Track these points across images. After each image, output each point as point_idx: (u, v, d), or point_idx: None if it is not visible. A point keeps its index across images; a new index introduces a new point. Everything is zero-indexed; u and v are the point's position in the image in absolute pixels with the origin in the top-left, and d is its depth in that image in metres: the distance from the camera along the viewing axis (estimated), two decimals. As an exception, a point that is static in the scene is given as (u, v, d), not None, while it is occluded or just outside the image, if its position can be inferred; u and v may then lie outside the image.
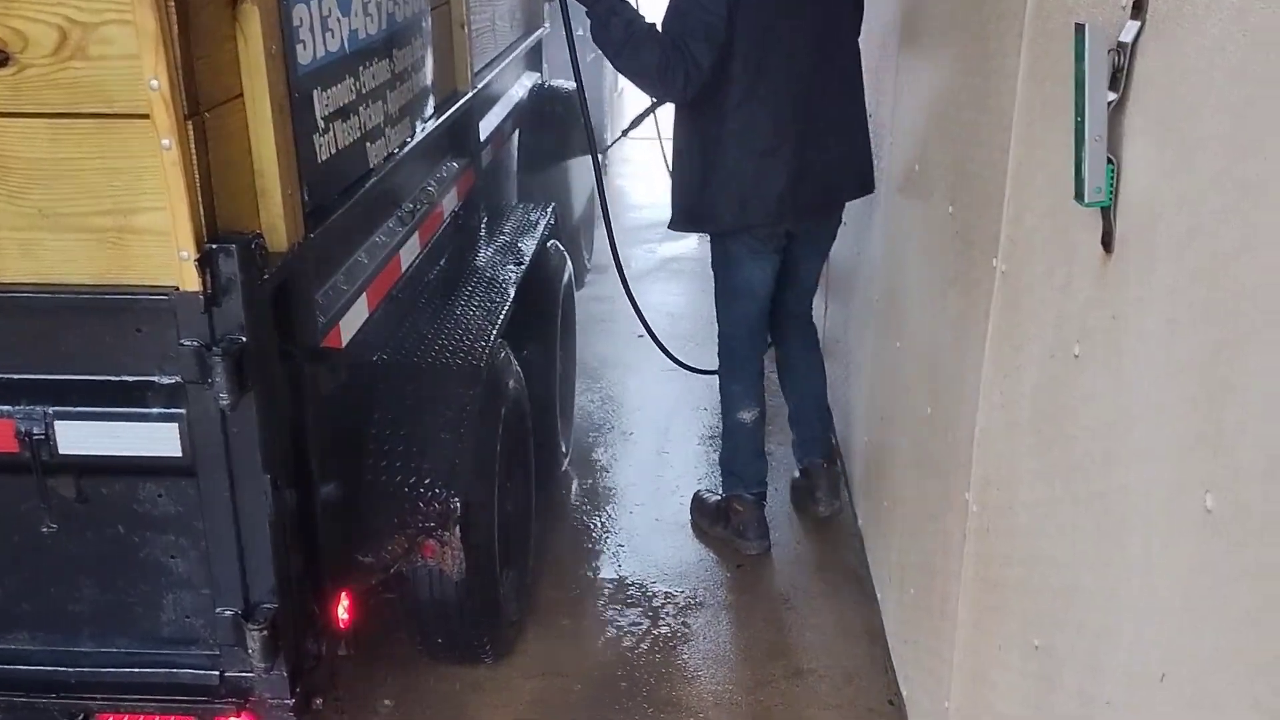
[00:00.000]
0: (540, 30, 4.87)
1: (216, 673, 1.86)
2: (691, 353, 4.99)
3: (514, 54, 4.25)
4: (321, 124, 2.12)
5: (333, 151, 2.17)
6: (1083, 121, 1.30)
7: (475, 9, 3.58)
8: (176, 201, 1.60)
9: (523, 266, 3.20)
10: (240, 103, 1.77)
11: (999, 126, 1.84)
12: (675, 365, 4.12)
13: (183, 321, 1.66)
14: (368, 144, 2.39)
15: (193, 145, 1.60)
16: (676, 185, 3.17)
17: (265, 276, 1.73)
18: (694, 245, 6.46)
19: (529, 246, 3.38)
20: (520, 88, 4.45)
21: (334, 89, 2.19)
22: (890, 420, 2.89)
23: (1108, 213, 1.33)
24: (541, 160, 4.33)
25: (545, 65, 5.07)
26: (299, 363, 1.90)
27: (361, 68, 2.36)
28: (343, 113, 2.23)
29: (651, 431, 4.23)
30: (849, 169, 3.13)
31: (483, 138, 3.58)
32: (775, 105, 2.95)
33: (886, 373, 2.93)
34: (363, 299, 2.29)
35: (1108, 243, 1.34)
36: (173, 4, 1.53)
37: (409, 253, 2.62)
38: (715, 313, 3.43)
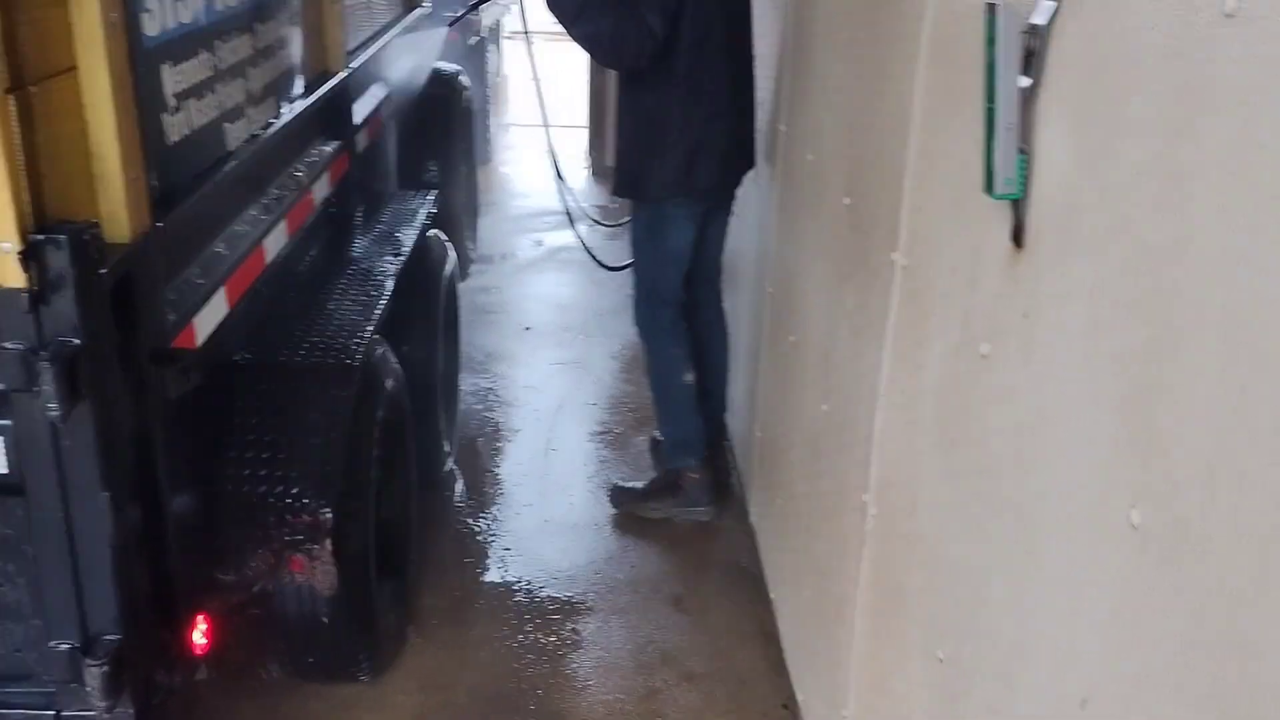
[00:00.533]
0: (420, 9, 4.67)
1: (52, 713, 1.66)
2: (581, 345, 4.89)
3: (391, 32, 4.06)
4: (172, 102, 1.93)
5: (185, 133, 1.98)
6: (994, 109, 1.22)
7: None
8: (-5, 187, 1.41)
9: (401, 257, 3.03)
10: (74, 77, 1.58)
11: (898, 114, 1.77)
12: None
13: (4, 322, 1.47)
14: (226, 124, 2.20)
15: (15, 123, 1.41)
16: (623, 151, 3.22)
17: (103, 270, 1.55)
18: (585, 235, 6.35)
19: (409, 236, 3.21)
20: (400, 68, 4.25)
21: (187, 64, 2.00)
22: (784, 415, 2.82)
23: (1019, 205, 1.26)
24: (423, 145, 4.14)
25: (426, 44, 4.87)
26: (144, 366, 1.71)
27: (219, 41, 2.17)
28: (197, 90, 2.05)
29: (539, 428, 4.09)
30: (754, 142, 3.23)
31: (357, 121, 3.39)
32: (719, 72, 3.03)
33: (780, 366, 2.87)
34: (221, 294, 2.10)
35: (1019, 237, 1.27)
36: (-15, -41, 1.34)
37: (274, 243, 2.43)
38: (638, 289, 3.40)
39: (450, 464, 3.63)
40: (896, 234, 1.76)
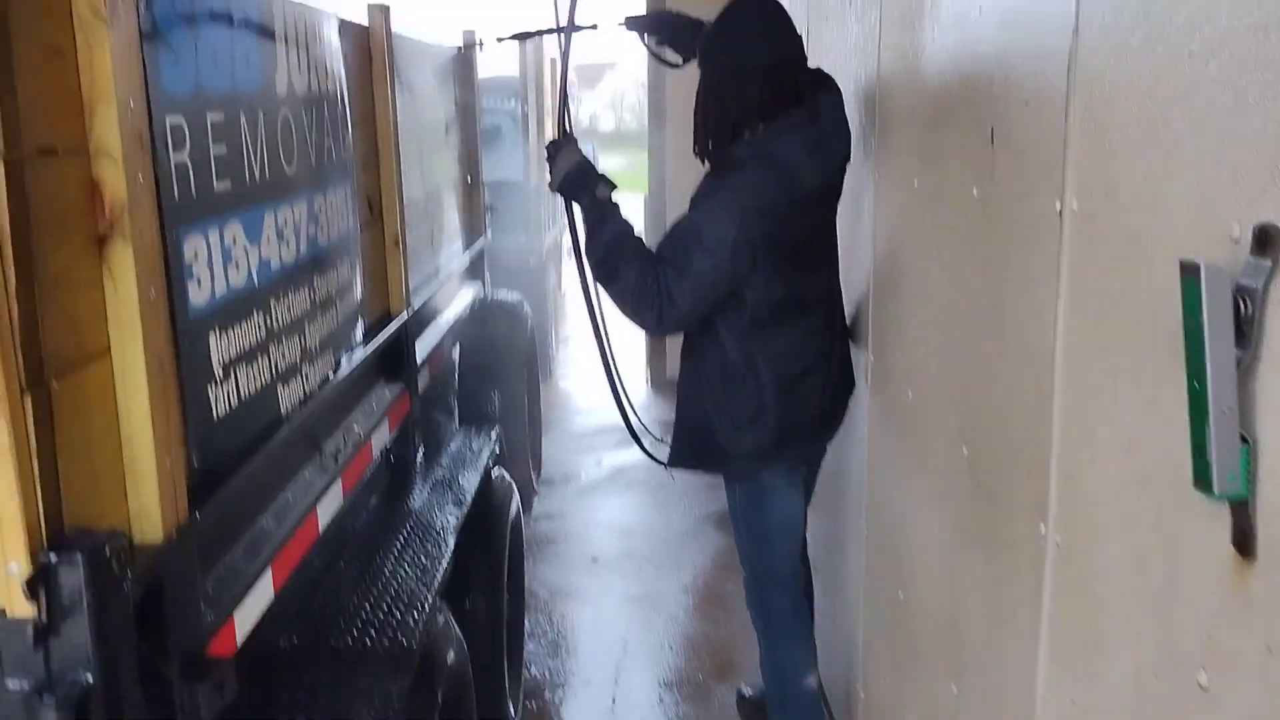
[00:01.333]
0: (481, 240, 4.65)
1: None
2: (651, 577, 4.58)
3: (454, 266, 3.99)
4: (219, 373, 1.77)
5: (233, 404, 1.81)
6: (1203, 389, 0.99)
7: (411, 223, 3.32)
8: (3, 500, 1.21)
9: (464, 506, 2.81)
10: (107, 361, 1.41)
11: (1031, 362, 1.54)
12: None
13: (8, 657, 1.24)
14: (280, 387, 2.04)
15: (30, 427, 1.22)
16: (687, 420, 2.78)
17: (127, 584, 1.33)
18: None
19: (471, 481, 3.00)
20: (461, 301, 4.17)
21: (237, 329, 1.84)
22: (896, 681, 2.49)
23: (1243, 507, 1.00)
24: (485, 376, 4.00)
25: (487, 275, 4.83)
26: (174, 683, 1.47)
27: (274, 300, 2.03)
28: (248, 355, 1.89)
29: (607, 676, 3.75)
30: (851, 360, 2.90)
31: (419, 359, 3.26)
32: (809, 318, 2.68)
33: (888, 621, 2.55)
34: (267, 576, 1.88)
35: (1245, 545, 1.00)
36: (7, 241, 1.18)
37: (329, 507, 2.23)
38: (747, 568, 2.96)
39: (515, 727, 3.29)
40: (1045, 505, 1.50)
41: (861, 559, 2.84)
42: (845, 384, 2.89)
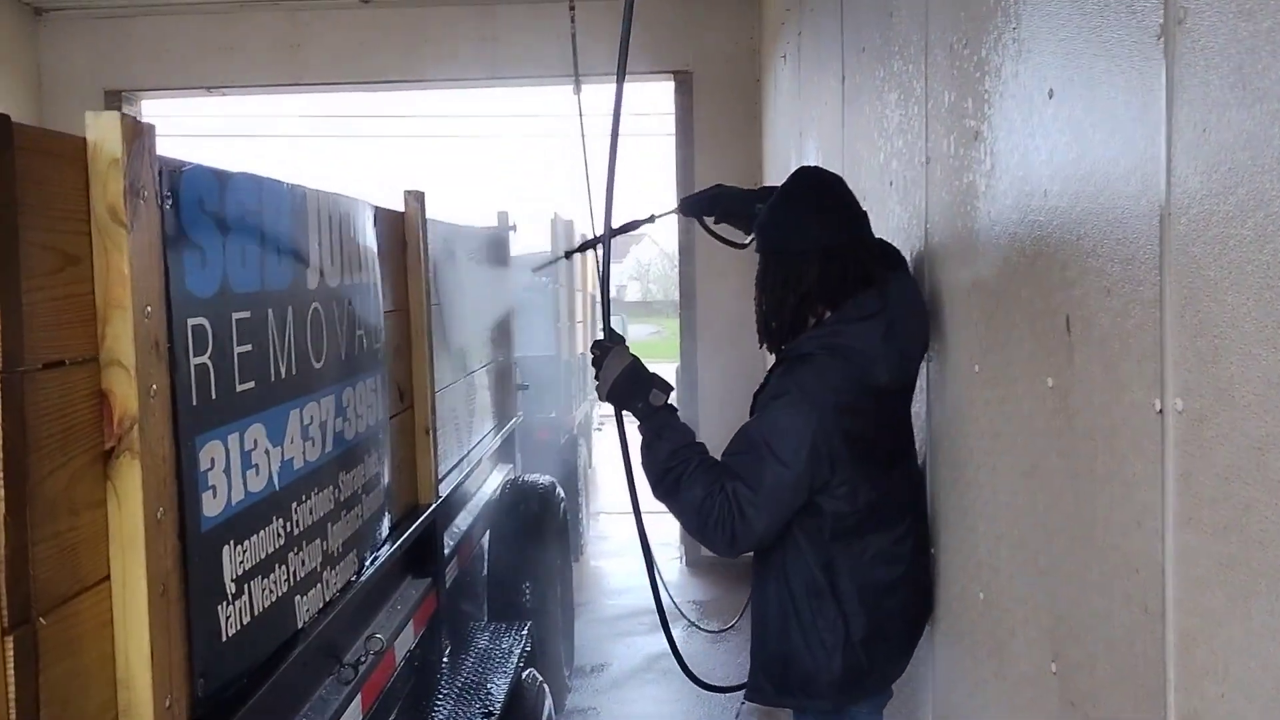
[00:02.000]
0: (514, 420, 4.55)
1: None
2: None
3: (486, 449, 3.88)
4: (231, 589, 1.62)
5: (244, 622, 1.66)
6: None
7: (443, 409, 3.22)
8: (-32, 763, 1.05)
9: (493, 718, 2.60)
10: (105, 590, 1.27)
11: (1133, 577, 1.38)
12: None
13: None
14: (298, 598, 1.89)
15: (9, 673, 1.08)
16: (769, 647, 2.43)
17: None
18: (682, 638, 5.85)
19: (500, 686, 2.79)
20: (491, 484, 4.04)
21: (253, 539, 1.71)
22: None
23: None
24: (516, 564, 3.82)
25: (518, 456, 4.71)
26: None
27: (295, 503, 1.90)
28: (264, 566, 1.75)
29: None
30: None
31: (447, 551, 3.10)
32: (897, 525, 2.37)
33: None
34: (276, 816, 1.68)
35: None
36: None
37: (345, 730, 2.04)
38: None
39: None
40: (1164, 748, 1.30)
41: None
42: (928, 593, 2.55)
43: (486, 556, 3.84)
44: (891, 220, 2.86)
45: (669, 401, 2.44)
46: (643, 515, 2.75)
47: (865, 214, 2.48)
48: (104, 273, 1.26)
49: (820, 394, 2.23)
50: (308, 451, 1.97)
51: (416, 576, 2.83)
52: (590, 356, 2.62)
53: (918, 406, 2.66)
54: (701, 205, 2.87)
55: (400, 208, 2.86)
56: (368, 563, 2.30)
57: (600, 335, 2.62)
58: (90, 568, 1.24)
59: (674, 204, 2.95)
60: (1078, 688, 1.61)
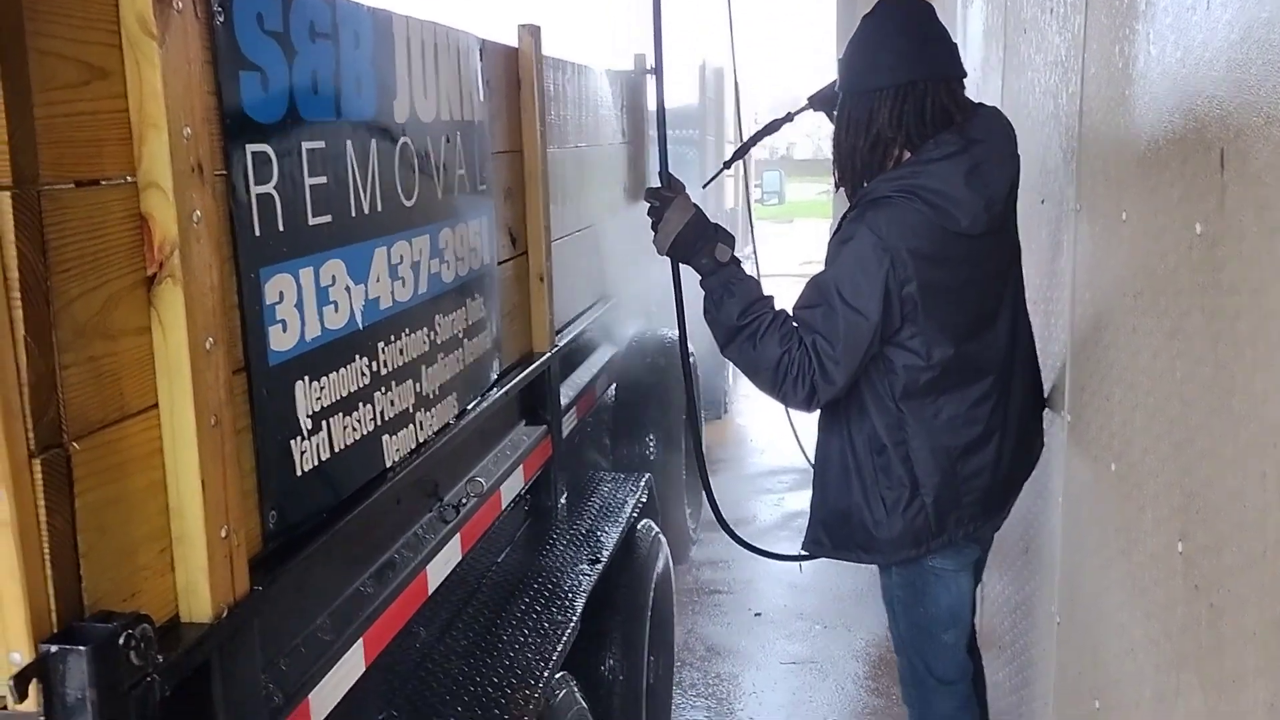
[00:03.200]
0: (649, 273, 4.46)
1: None
2: (819, 639, 4.24)
3: (613, 301, 3.81)
4: (307, 424, 1.61)
5: (323, 457, 1.65)
6: None
7: (563, 257, 3.15)
8: (4, 579, 1.06)
9: (600, 564, 2.59)
10: (152, 418, 1.26)
11: (1270, 453, 1.19)
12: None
13: (1, 761, 1.09)
14: (386, 437, 1.87)
15: (40, 496, 1.07)
16: (828, 502, 2.38)
17: (153, 677, 1.16)
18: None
19: (611, 536, 2.78)
20: (620, 335, 3.98)
21: (332, 376, 1.68)
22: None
23: None
24: (641, 417, 3.79)
25: (654, 310, 4.63)
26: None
27: (383, 344, 1.87)
28: (346, 404, 1.73)
29: (767, 752, 3.44)
30: (1039, 426, 2.46)
31: (565, 401, 3.07)
32: (979, 385, 2.24)
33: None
34: (358, 649, 1.70)
35: None
36: (16, 285, 1.04)
37: (442, 566, 2.05)
38: (904, 660, 2.54)
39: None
40: (1288, 644, 1.14)
41: (1052, 651, 2.44)
42: (1026, 455, 2.44)
43: (612, 409, 3.81)
44: (1049, 51, 2.56)
45: (735, 255, 2.32)
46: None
47: (954, 48, 2.26)
48: (136, 88, 1.20)
49: (894, 238, 2.10)
50: (398, 291, 1.93)
51: (531, 424, 2.82)
52: (647, 206, 2.43)
53: (1056, 262, 2.43)
54: (830, 99, 2.57)
55: (514, 43, 2.74)
56: (470, 406, 2.28)
57: (656, 183, 2.47)
58: (134, 395, 1.22)
59: (804, 101, 2.69)
60: (1203, 571, 1.44)
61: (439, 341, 2.13)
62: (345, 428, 1.72)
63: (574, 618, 2.29)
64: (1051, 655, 2.45)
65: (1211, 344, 1.40)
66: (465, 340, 2.28)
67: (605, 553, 2.66)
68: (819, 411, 2.37)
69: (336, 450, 1.69)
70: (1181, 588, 1.52)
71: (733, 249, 2.31)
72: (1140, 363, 1.76)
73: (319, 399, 1.64)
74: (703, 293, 2.32)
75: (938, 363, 2.18)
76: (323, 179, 1.66)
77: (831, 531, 2.40)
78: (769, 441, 6.79)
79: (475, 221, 2.36)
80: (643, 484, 3.17)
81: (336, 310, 1.71)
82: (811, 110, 2.69)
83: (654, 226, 2.36)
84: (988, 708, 2.70)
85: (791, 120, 2.76)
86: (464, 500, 2.20)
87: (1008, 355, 2.30)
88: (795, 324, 2.20)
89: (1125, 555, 1.83)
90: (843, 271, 2.15)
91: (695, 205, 2.35)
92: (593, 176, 3.66)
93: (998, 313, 2.28)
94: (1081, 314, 2.22)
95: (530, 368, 2.71)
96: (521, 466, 2.59)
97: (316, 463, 1.63)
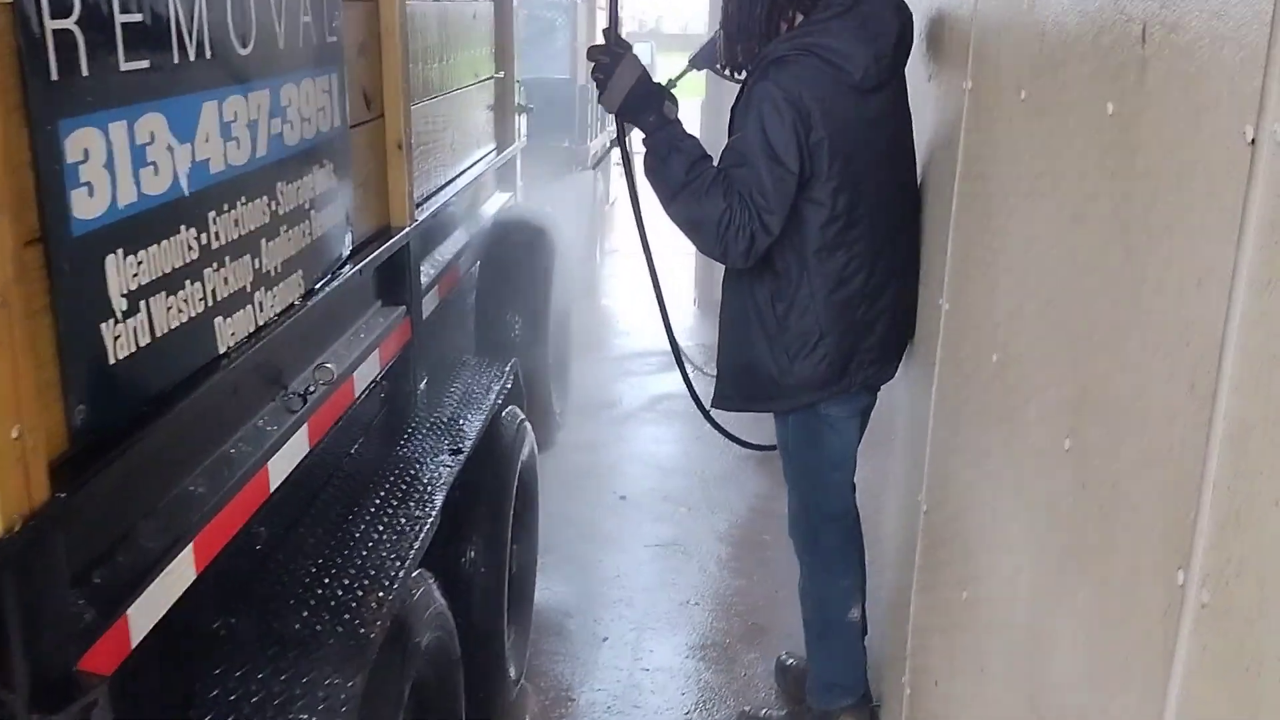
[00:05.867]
0: (514, 146, 4.23)
1: None
2: (683, 521, 4.23)
3: (476, 175, 3.58)
4: (121, 305, 1.40)
5: (142, 342, 1.44)
6: None
7: (424, 124, 2.91)
8: None
9: (462, 454, 2.45)
10: (-84, 294, 1.04)
11: (1183, 347, 1.12)
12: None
13: None
14: (219, 319, 1.67)
15: None
16: (734, 357, 2.55)
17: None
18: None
19: (474, 424, 2.64)
20: (483, 215, 3.77)
21: (151, 250, 1.47)
22: (952, 685, 2.12)
23: None
24: (505, 298, 3.61)
25: (519, 185, 4.41)
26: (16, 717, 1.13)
27: (214, 214, 1.65)
28: (168, 283, 1.51)
29: (627, 636, 3.42)
30: (915, 299, 2.59)
31: (426, 280, 2.88)
32: (872, 242, 2.39)
33: (946, 624, 2.17)
34: (186, 556, 1.53)
35: None
36: None
37: (286, 461, 1.88)
38: (795, 497, 2.72)
39: (516, 691, 2.98)
40: (1188, 549, 1.09)
41: (915, 539, 2.44)
42: (912, 314, 2.58)
43: (475, 289, 3.62)
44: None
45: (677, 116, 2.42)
46: (652, 253, 2.83)
47: None
48: None
49: (796, 92, 2.23)
50: (231, 154, 1.70)
51: (388, 305, 2.62)
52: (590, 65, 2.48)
53: (941, 141, 2.35)
54: (711, 56, 2.74)
55: (367, -123, 2.45)
56: (319, 286, 2.08)
57: (600, 40, 2.44)
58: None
59: (685, 64, 2.88)
60: (1095, 470, 1.39)
61: (281, 213, 1.91)
62: (169, 309, 1.51)
63: (433, 512, 2.16)
64: (915, 543, 2.45)
65: (1121, 232, 1.32)
66: (312, 212, 2.06)
67: (467, 442, 2.52)
68: (722, 275, 2.55)
69: (159, 335, 1.49)
70: (1069, 484, 1.48)
71: (676, 108, 2.41)
72: (1035, 250, 1.69)
73: (135, 276, 1.43)
74: (645, 150, 2.40)
75: (841, 212, 2.32)
76: (138, 16, 1.42)
77: (740, 385, 2.55)
78: (634, 324, 6.71)
79: (323, 78, 2.12)
80: (508, 369, 3.03)
81: (156, 173, 1.48)
82: (695, 71, 2.87)
83: (600, 84, 2.41)
84: (862, 540, 2.80)
85: (674, 86, 2.67)
86: (311, 389, 2.02)
87: (901, 210, 2.47)
88: (732, 184, 2.29)
89: (1005, 448, 1.79)
90: (757, 129, 2.25)
91: (643, 65, 2.41)
92: (459, 35, 3.39)
93: (893, 167, 2.44)
94: (967, 197, 2.15)
95: (387, 244, 2.50)
96: (377, 351, 2.41)
97: (134, 349, 1.42)
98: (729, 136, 2.41)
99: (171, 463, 1.57)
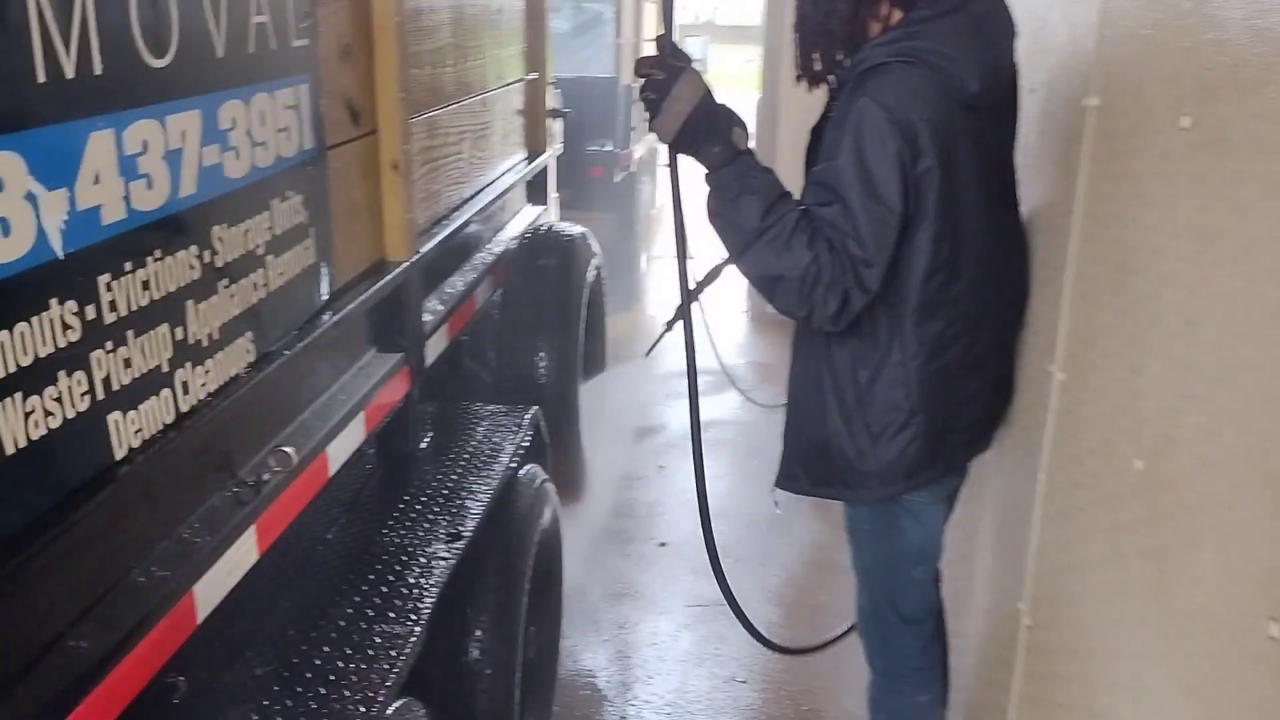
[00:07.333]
0: (547, 154, 3.81)
1: None
2: (729, 574, 3.79)
3: (499, 190, 3.17)
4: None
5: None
6: None
7: (431, 138, 2.51)
8: None
9: (460, 543, 2.04)
10: None
11: None
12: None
13: None
14: (114, 416, 1.27)
15: None
16: (804, 432, 2.06)
17: None
18: (737, 407, 5.31)
19: (479, 497, 2.23)
20: (507, 235, 3.36)
21: (17, 333, 1.07)
22: None
23: None
24: (529, 329, 3.19)
25: (552, 196, 4.00)
26: None
27: (109, 279, 1.25)
28: (30, 378, 1.12)
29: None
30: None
31: (430, 321, 2.48)
32: (975, 301, 1.92)
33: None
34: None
35: None
36: None
37: (219, 582, 1.48)
38: (865, 594, 2.26)
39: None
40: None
41: (1015, 652, 2.00)
42: (1010, 379, 2.13)
43: (498, 316, 3.21)
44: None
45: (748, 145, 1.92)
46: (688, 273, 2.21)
47: None
48: None
49: (902, 108, 1.74)
50: (136, 197, 1.30)
51: (382, 351, 2.23)
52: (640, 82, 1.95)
53: (1044, 163, 1.90)
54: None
55: None
56: (276, 347, 1.68)
57: (652, 51, 1.98)
58: None
59: None
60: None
61: (220, 264, 1.51)
62: (30, 414, 1.12)
63: (416, 630, 1.74)
64: (1013, 657, 2.01)
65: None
66: (269, 257, 1.66)
67: (469, 522, 2.11)
68: (797, 328, 2.06)
69: (15, 448, 1.09)
70: (1272, 681, 1.03)
71: (746, 134, 1.91)
72: (1206, 338, 1.24)
73: (-22, 373, 1.03)
74: (709, 189, 1.90)
75: (944, 263, 1.85)
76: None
77: (809, 466, 2.08)
78: (681, 338, 6.26)
79: (286, 90, 1.72)
80: (526, 421, 2.61)
81: (8, 234, 1.08)
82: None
83: (652, 107, 1.89)
84: (948, 645, 2.36)
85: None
86: (263, 478, 1.62)
87: (1006, 260, 2.01)
88: (820, 227, 1.81)
89: (1158, 599, 1.34)
90: (853, 159, 1.77)
91: (706, 83, 1.90)
92: (480, 32, 2.98)
93: (999, 207, 1.96)
94: (1091, 243, 1.69)
95: (378, 284, 2.11)
96: (362, 414, 2.01)
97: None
98: (807, 166, 1.95)
99: (44, 609, 1.18)
